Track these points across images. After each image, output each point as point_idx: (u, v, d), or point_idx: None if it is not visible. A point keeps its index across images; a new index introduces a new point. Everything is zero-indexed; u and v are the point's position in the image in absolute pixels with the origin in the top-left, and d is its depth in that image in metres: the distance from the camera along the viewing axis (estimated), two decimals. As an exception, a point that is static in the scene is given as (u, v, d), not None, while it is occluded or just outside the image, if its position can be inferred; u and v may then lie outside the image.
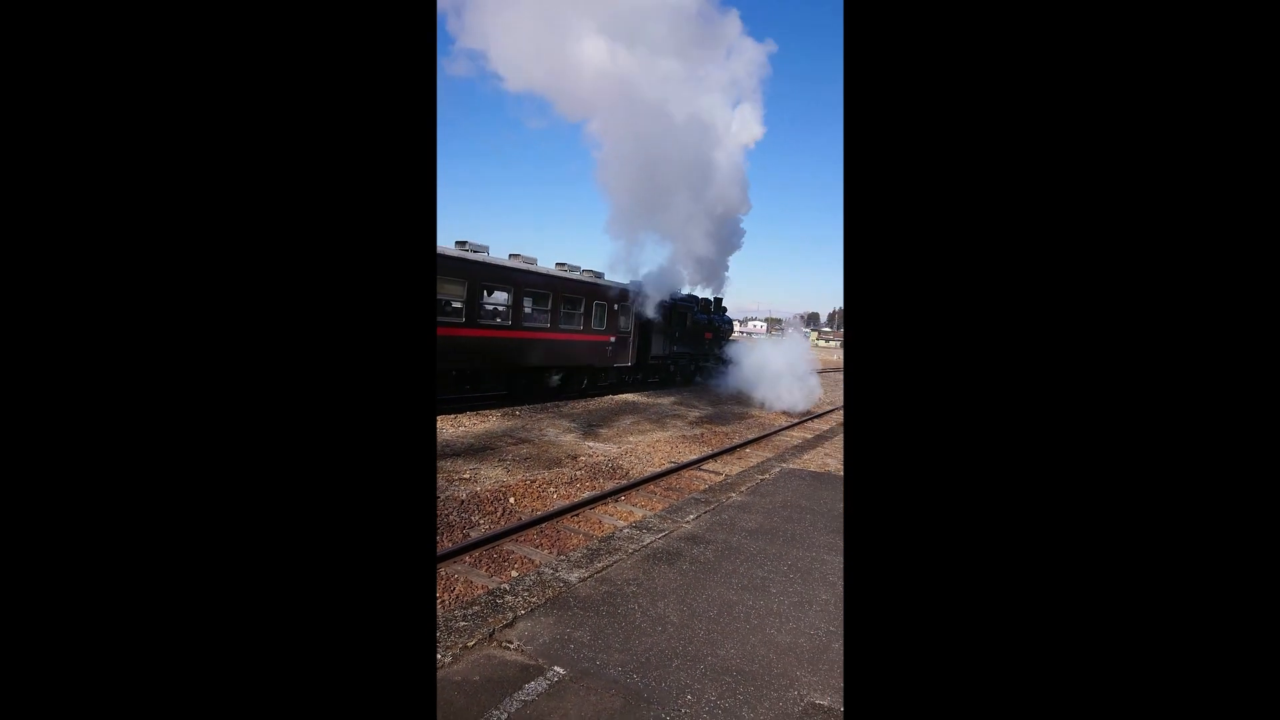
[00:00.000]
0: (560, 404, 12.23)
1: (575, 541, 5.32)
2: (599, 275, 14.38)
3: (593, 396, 13.92)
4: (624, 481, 7.19)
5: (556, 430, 9.52)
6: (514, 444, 8.31)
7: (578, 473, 7.30)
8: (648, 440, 9.55)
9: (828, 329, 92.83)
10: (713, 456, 8.93)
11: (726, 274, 19.29)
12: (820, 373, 18.57)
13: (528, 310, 11.90)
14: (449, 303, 10.28)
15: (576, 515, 5.95)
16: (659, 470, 7.75)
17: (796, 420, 13.29)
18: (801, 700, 2.57)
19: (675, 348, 17.57)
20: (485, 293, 10.93)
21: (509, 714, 2.33)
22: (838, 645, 3.05)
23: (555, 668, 2.66)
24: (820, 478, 6.91)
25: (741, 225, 19.20)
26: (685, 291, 17.98)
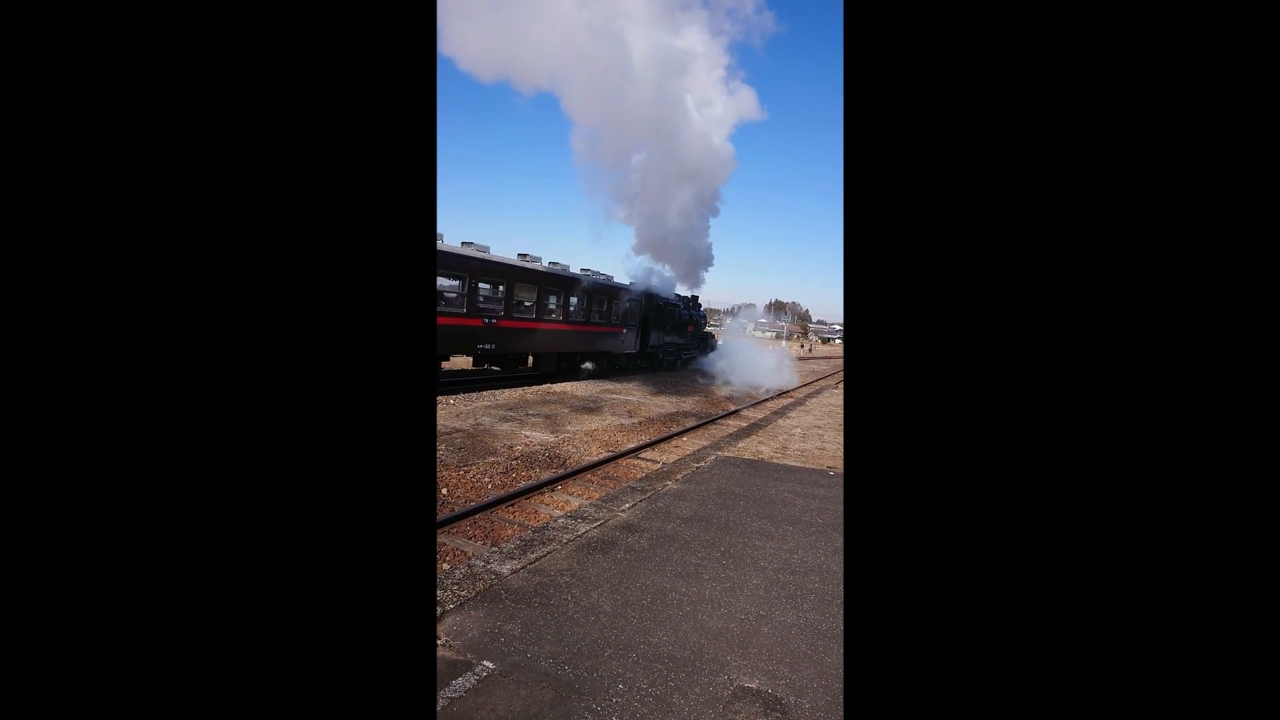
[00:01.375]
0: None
1: (509, 532, 5.23)
2: (610, 277, 17.89)
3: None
4: (560, 470, 7.14)
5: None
6: (447, 432, 8.09)
7: (516, 460, 7.18)
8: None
9: (764, 320, 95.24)
10: (650, 445, 8.97)
11: (704, 274, 23.55)
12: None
13: (571, 308, 15.74)
14: (522, 302, 13.78)
15: (512, 505, 5.86)
16: (596, 459, 7.73)
17: (748, 404, 13.85)
18: (731, 684, 2.61)
19: (666, 338, 21.47)
20: (545, 295, 14.65)
21: (435, 712, 2.26)
22: (767, 629, 3.12)
23: (484, 662, 2.60)
24: (753, 465, 7.06)
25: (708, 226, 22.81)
26: (675, 292, 22.11)
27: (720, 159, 21.20)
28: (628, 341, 18.81)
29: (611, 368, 18.30)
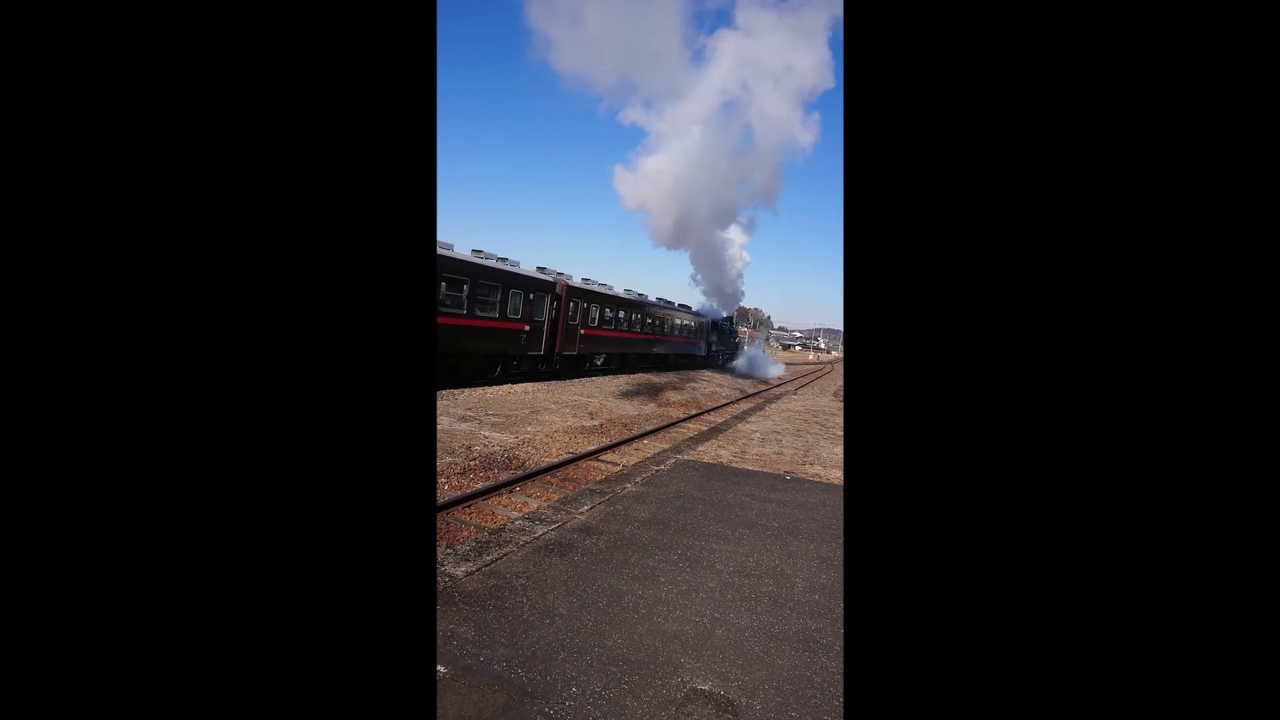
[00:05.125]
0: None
1: (465, 534, 5.16)
2: (690, 306, 29.21)
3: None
4: (519, 472, 7.07)
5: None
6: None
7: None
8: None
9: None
10: (611, 448, 8.97)
11: (740, 301, 40.99)
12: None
13: (667, 325, 25.41)
14: (666, 326, 24.73)
15: (468, 506, 5.78)
16: (556, 461, 7.69)
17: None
18: (684, 686, 2.63)
19: (719, 346, 33.76)
20: (674, 321, 25.83)
21: (382, 717, 2.21)
22: (721, 631, 3.15)
23: (436, 666, 2.56)
24: (712, 469, 7.13)
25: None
26: (724, 313, 36.13)
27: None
28: (701, 348, 30.42)
29: (691, 364, 29.48)
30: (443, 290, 12.06)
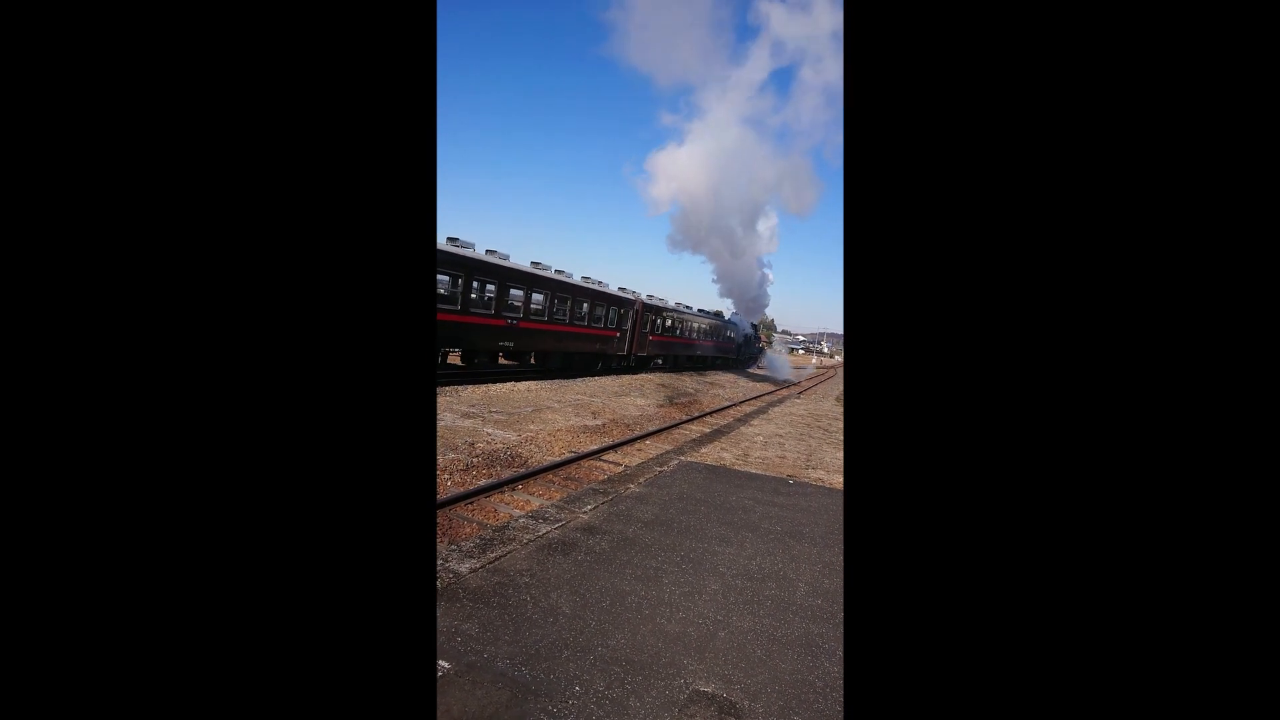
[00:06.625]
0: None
1: (468, 530, 5.17)
2: (721, 314, 35.00)
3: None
4: (522, 470, 7.08)
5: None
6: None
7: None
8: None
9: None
10: (613, 447, 8.98)
11: (766, 309, 46.67)
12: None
13: (708, 333, 30.70)
14: (692, 329, 28.39)
15: (471, 503, 5.79)
16: (559, 459, 7.69)
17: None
18: (687, 688, 2.64)
19: (748, 350, 39.38)
20: (700, 329, 29.26)
21: (387, 712, 2.22)
22: (724, 634, 3.16)
23: (440, 662, 2.56)
24: (715, 471, 7.12)
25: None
26: (750, 323, 41.26)
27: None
28: (733, 352, 36.03)
29: (725, 365, 34.82)
30: (579, 307, 18.10)
